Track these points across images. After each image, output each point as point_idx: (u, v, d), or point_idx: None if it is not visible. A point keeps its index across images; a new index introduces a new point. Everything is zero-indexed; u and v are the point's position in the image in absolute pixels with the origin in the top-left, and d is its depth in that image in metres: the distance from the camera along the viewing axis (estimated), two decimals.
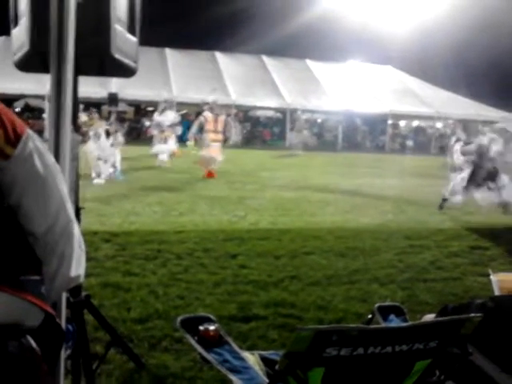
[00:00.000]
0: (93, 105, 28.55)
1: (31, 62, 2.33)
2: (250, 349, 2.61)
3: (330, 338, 1.56)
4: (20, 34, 2.25)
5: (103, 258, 5.53)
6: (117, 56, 2.21)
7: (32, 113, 27.22)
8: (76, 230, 1.44)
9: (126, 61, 2.33)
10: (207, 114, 14.65)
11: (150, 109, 31.99)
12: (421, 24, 35.40)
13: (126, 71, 2.44)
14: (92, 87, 19.22)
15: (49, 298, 1.36)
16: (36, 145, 1.37)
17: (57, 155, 1.85)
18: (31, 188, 1.35)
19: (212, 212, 8.77)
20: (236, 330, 3.70)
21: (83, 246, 1.47)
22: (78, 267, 1.43)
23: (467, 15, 32.08)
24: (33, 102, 27.48)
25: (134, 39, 2.42)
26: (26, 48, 2.18)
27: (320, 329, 1.61)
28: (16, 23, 2.33)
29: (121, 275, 5.03)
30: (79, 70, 2.21)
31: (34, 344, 1.26)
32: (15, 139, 1.32)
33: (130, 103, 30.04)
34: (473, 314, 1.78)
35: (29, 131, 1.37)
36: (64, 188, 1.43)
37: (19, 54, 2.32)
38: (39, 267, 1.36)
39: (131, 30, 2.38)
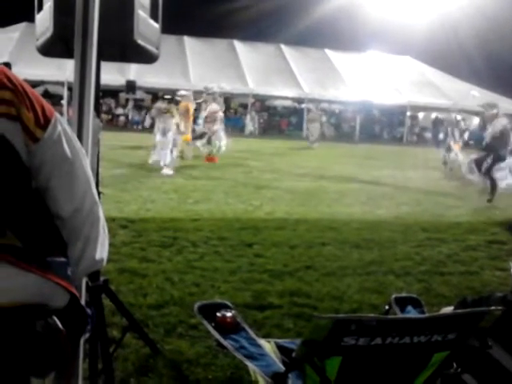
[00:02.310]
0: (111, 92, 28.74)
1: (54, 47, 2.34)
2: (264, 337, 2.61)
3: (349, 327, 1.56)
4: (44, 18, 2.26)
5: (120, 244, 5.58)
6: (139, 42, 2.21)
7: (51, 99, 27.41)
8: (101, 214, 1.45)
9: (149, 47, 2.33)
10: (215, 106, 14.88)
11: (168, 97, 32.06)
12: (441, 14, 34.87)
13: (147, 57, 2.45)
14: (110, 74, 19.25)
15: (73, 280, 1.38)
16: (64, 128, 1.39)
17: (80, 140, 1.86)
18: (59, 170, 1.36)
19: (228, 201, 8.79)
20: (251, 319, 3.71)
21: (107, 229, 1.48)
22: (102, 250, 1.45)
23: (490, 6, 31.52)
24: (52, 89, 27.64)
25: (156, 25, 2.42)
26: (49, 33, 2.19)
27: (339, 318, 1.61)
28: (40, 8, 2.34)
29: (137, 261, 5.07)
30: (102, 56, 2.21)
31: (59, 324, 1.27)
32: (45, 122, 1.34)
33: (148, 91, 30.09)
34: (493, 307, 1.77)
35: (57, 114, 1.38)
36: (89, 171, 1.45)
37: (42, 39, 2.34)
38: (65, 249, 1.38)
39: (154, 16, 2.38)
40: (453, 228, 7.45)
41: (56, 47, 2.31)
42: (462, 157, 15.37)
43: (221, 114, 15.50)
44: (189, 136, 17.79)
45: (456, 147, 15.97)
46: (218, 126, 15.13)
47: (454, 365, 1.90)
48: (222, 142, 15.21)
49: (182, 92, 18.25)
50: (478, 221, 8.14)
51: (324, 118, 25.46)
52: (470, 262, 5.74)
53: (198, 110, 16.80)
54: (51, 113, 1.37)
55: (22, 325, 1.23)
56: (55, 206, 1.37)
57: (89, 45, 1.87)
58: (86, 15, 1.85)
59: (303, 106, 30.90)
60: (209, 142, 14.97)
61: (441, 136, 19.71)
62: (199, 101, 16.85)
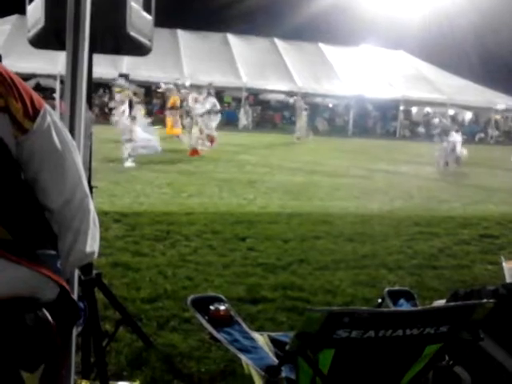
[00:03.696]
0: (103, 85, 28.54)
1: (46, 39, 2.32)
2: (258, 330, 2.62)
3: (342, 320, 1.57)
4: (35, 10, 2.24)
5: (113, 238, 5.57)
6: (132, 34, 2.19)
7: (43, 92, 27.25)
8: (91, 206, 1.44)
9: (141, 39, 2.31)
10: (196, 94, 15.02)
11: (161, 90, 31.98)
12: (435, 9, 34.89)
13: (140, 50, 2.43)
14: (103, 67, 19.14)
15: (63, 273, 1.37)
16: (54, 119, 1.37)
17: (72, 133, 1.85)
18: (48, 162, 1.35)
19: (221, 195, 8.78)
20: (244, 312, 3.71)
21: (97, 222, 1.47)
22: (92, 243, 1.44)
23: (484, 0, 31.57)
24: (44, 82, 27.42)
25: (149, 17, 2.40)
26: (41, 24, 2.17)
27: (332, 310, 1.61)
28: None
29: (130, 255, 5.06)
30: (94, 48, 2.19)
31: (49, 317, 1.27)
32: (34, 113, 1.32)
33: (141, 84, 29.96)
34: (485, 300, 1.77)
35: (46, 106, 1.37)
36: (80, 164, 1.44)
37: (34, 31, 2.31)
38: (55, 242, 1.37)
39: (146, 8, 2.37)
40: (445, 222, 7.48)
41: (48, 39, 2.29)
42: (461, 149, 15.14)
43: (201, 99, 15.45)
44: (180, 130, 17.82)
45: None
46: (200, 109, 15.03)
47: (446, 357, 1.91)
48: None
49: (162, 85, 18.37)
50: (471, 215, 8.18)
51: (305, 113, 24.38)
52: (462, 256, 5.77)
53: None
54: (40, 104, 1.35)
55: (12, 318, 1.22)
56: (45, 198, 1.36)
57: (81, 37, 1.85)
58: (77, 7, 1.83)
59: (291, 100, 30.39)
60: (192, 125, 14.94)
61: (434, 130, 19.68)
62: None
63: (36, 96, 1.36)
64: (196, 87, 17.50)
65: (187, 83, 16.80)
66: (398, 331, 1.66)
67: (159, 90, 15.39)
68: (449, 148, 14.87)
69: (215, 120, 15.56)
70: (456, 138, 15.07)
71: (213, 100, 15.79)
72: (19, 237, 1.26)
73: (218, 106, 16.14)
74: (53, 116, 1.38)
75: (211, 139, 14.49)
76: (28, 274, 1.26)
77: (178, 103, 18.40)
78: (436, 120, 16.39)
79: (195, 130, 14.53)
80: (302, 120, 23.48)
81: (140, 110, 13.02)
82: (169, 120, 19.00)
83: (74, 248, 1.41)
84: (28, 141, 1.32)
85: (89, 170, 2.52)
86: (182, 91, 16.48)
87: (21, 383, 1.24)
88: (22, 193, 1.31)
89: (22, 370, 1.26)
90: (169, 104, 19.27)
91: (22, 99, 1.30)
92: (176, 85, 18.99)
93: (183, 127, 16.87)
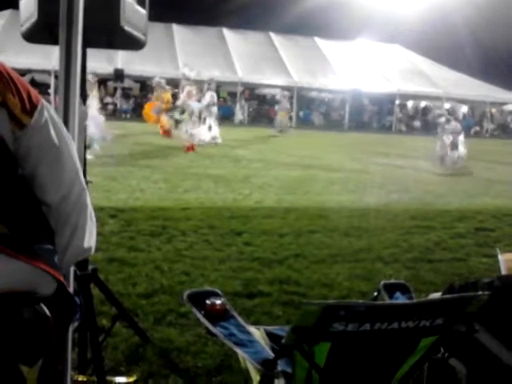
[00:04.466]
0: (99, 80, 28.46)
1: (39, 33, 2.30)
2: (254, 324, 2.62)
3: (338, 313, 1.57)
4: (28, 4, 2.22)
5: (109, 234, 5.56)
6: (126, 28, 2.18)
7: (39, 87, 27.14)
8: (88, 201, 1.44)
9: (135, 33, 2.30)
10: (189, 87, 14.99)
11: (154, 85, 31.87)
12: (430, 3, 34.84)
13: (134, 44, 2.42)
14: (98, 62, 19.08)
15: (60, 268, 1.37)
16: (51, 114, 1.38)
17: (66, 127, 1.84)
18: (46, 157, 1.36)
19: (217, 190, 8.78)
20: (240, 306, 3.71)
21: (94, 218, 1.47)
22: (90, 239, 1.44)
23: None
24: (39, 77, 27.30)
25: (143, 11, 2.39)
26: (34, 18, 2.15)
27: (328, 304, 1.61)
28: None
29: (126, 250, 5.06)
30: (88, 42, 2.18)
31: (47, 312, 1.27)
32: (31, 108, 1.33)
33: (136, 79, 29.88)
34: (480, 293, 1.78)
35: (44, 101, 1.37)
36: (77, 158, 1.44)
37: (27, 25, 2.30)
38: (52, 237, 1.37)
39: (141, 3, 2.36)
40: (441, 216, 7.50)
41: (41, 34, 2.27)
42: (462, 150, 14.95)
43: (194, 92, 15.40)
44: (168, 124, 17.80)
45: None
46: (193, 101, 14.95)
47: (442, 349, 1.92)
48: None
49: (157, 79, 18.35)
50: (467, 209, 8.21)
51: (285, 111, 24.33)
52: (458, 249, 5.79)
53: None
54: (38, 99, 1.36)
55: (10, 312, 1.23)
56: (42, 193, 1.36)
57: (74, 31, 1.84)
58: (71, 1, 1.82)
59: (278, 96, 30.01)
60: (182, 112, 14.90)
61: (430, 124, 19.64)
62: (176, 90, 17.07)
63: (33, 91, 1.37)
64: (191, 82, 17.44)
65: (190, 74, 16.65)
66: (394, 324, 1.66)
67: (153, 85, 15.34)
68: (448, 146, 14.76)
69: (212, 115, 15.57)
70: (461, 137, 14.98)
71: (210, 94, 15.77)
72: (17, 231, 1.26)
73: (215, 100, 16.10)
74: (50, 111, 1.38)
75: (192, 146, 14.32)
76: (26, 268, 1.26)
77: (169, 98, 18.48)
78: (442, 119, 15.98)
79: (197, 126, 14.54)
80: (282, 116, 23.47)
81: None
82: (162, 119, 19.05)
83: (71, 243, 1.41)
84: (26, 136, 1.32)
85: (84, 164, 2.51)
86: (183, 81, 16.41)
87: (21, 377, 1.25)
88: (19, 188, 1.31)
89: (21, 364, 1.26)
90: (164, 101, 19.32)
91: (20, 94, 1.31)
92: (172, 79, 18.98)
93: (176, 122, 16.80)
